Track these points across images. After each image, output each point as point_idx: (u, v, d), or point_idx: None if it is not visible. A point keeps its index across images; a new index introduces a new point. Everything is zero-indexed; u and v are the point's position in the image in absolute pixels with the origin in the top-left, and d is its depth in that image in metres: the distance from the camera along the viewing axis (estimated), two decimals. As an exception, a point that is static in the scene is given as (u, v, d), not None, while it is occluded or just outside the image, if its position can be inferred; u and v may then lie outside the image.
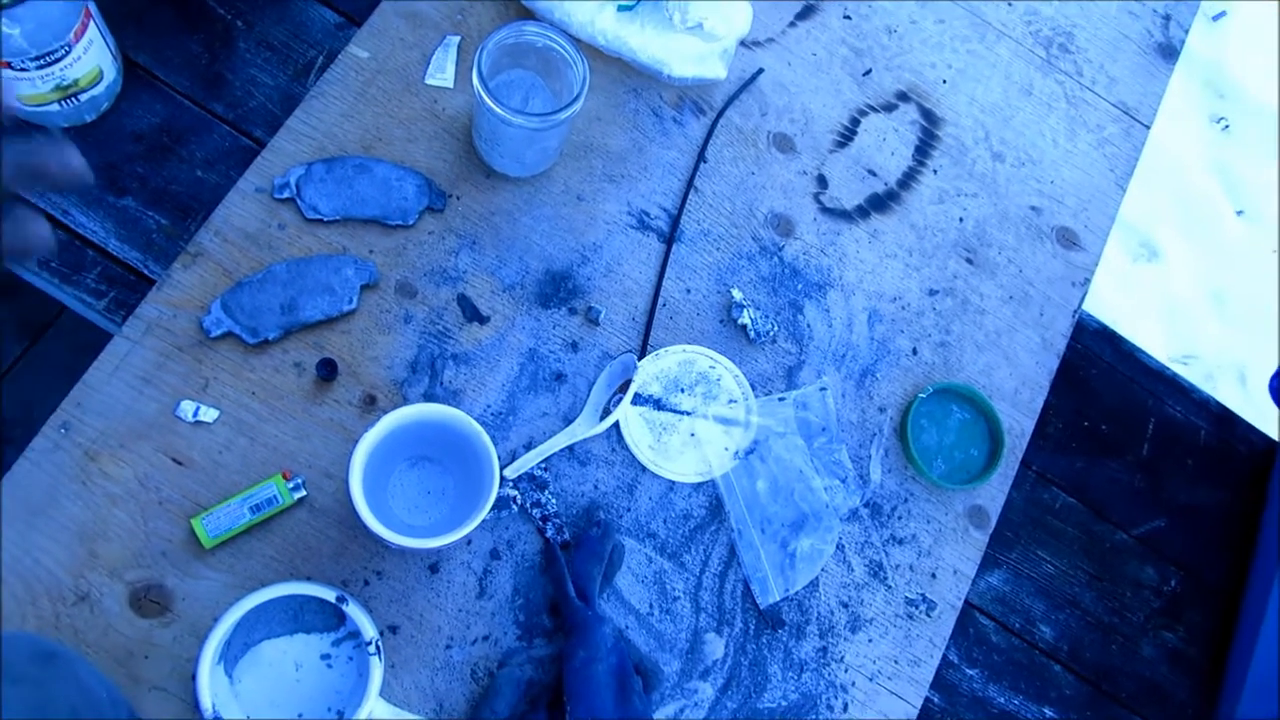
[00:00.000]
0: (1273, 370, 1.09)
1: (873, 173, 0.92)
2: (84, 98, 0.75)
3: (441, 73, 0.84)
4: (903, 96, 0.95)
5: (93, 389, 0.72)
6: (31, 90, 0.71)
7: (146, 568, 0.69)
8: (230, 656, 0.68)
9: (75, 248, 0.77)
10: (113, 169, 0.79)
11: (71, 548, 0.69)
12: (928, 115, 0.95)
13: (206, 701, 0.63)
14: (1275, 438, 1.02)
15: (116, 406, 0.72)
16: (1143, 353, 0.96)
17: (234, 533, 0.70)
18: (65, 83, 0.72)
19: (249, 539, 0.71)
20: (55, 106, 0.74)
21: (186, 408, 0.72)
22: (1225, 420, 0.98)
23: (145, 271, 0.77)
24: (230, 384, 0.74)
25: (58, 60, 0.70)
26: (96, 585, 0.69)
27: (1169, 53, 1.03)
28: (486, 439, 0.66)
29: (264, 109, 0.83)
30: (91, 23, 0.71)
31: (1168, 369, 0.96)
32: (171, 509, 0.71)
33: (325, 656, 0.70)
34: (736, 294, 0.84)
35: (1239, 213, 2.04)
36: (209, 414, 0.73)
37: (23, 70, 0.69)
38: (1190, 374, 1.77)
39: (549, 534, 0.75)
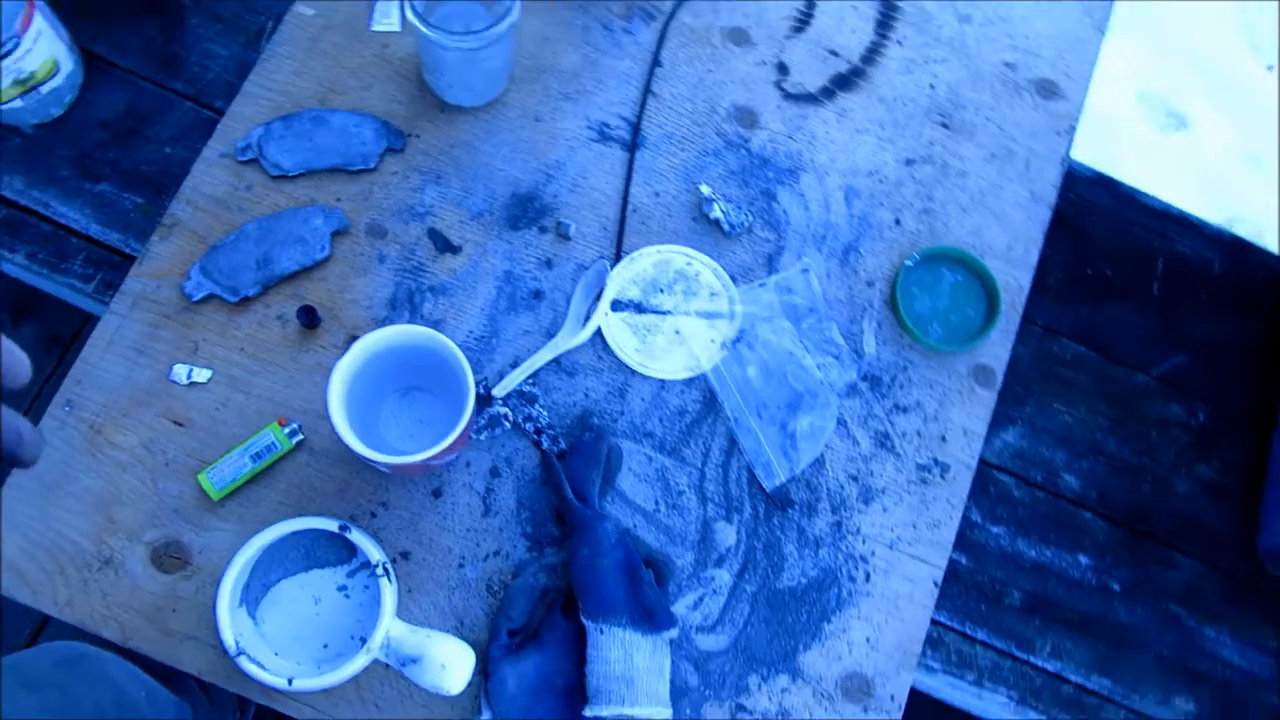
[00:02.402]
0: None
1: (834, 53, 0.90)
2: (45, 90, 0.78)
3: (387, 18, 0.85)
4: (855, -28, 0.93)
5: (90, 365, 0.74)
6: (-10, 88, 0.74)
7: (163, 526, 0.72)
8: (251, 599, 0.70)
9: (59, 237, 0.80)
10: (86, 158, 0.82)
11: (90, 516, 0.72)
12: (884, -14, 0.93)
13: (229, 639, 0.65)
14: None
15: (114, 379, 0.74)
16: (1143, 194, 0.92)
17: (239, 483, 0.73)
18: (22, 76, 0.75)
19: (255, 488, 0.73)
20: (19, 103, 0.77)
21: (180, 371, 0.75)
22: (1239, 250, 0.94)
23: (127, 250, 0.80)
24: (219, 344, 0.76)
25: (9, 53, 0.72)
26: (118, 549, 0.71)
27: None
28: (454, 347, 0.66)
29: (221, 80, 0.85)
30: (37, 13, 0.74)
31: (1173, 207, 0.93)
32: (178, 469, 0.73)
33: (341, 588, 0.72)
34: (705, 189, 0.83)
35: (1269, 68, 1.95)
36: (202, 375, 0.75)
37: (-24, 67, 0.72)
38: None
39: (545, 445, 0.76)
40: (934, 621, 0.88)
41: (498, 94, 0.84)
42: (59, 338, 1.16)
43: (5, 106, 0.77)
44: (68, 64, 0.79)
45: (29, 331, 1.16)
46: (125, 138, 0.83)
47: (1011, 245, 0.86)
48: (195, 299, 0.76)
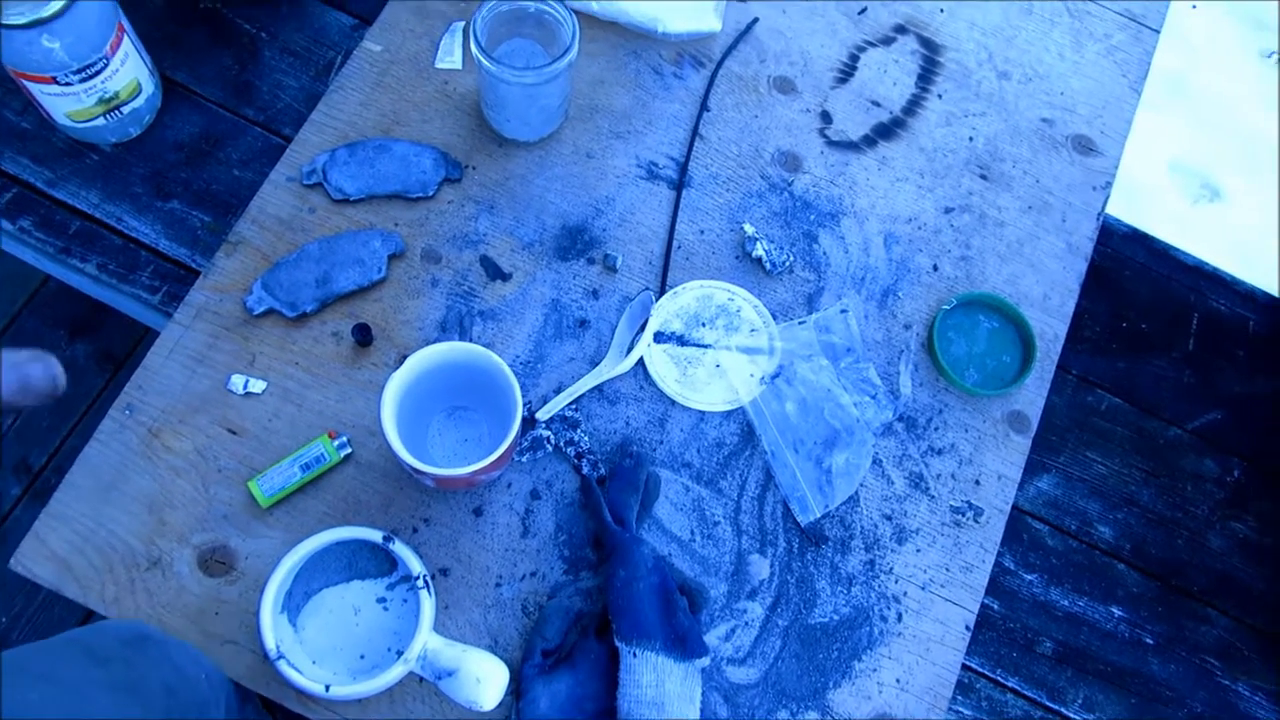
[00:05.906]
0: None
1: (876, 103, 0.93)
2: (126, 110, 0.82)
3: (450, 56, 0.89)
4: (900, 29, 0.97)
5: (151, 372, 0.77)
6: (78, 105, 0.78)
7: (211, 531, 0.74)
8: (293, 606, 0.72)
9: (130, 250, 0.84)
10: (159, 176, 0.86)
11: (141, 517, 0.74)
12: (927, 44, 0.96)
13: (270, 642, 0.66)
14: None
15: (173, 386, 0.77)
16: (1177, 250, 0.94)
17: (287, 491, 0.75)
18: (107, 95, 0.79)
19: (302, 497, 0.75)
20: (101, 120, 0.81)
21: (237, 381, 0.77)
22: (1275, 309, 0.95)
23: (193, 265, 0.83)
24: (275, 356, 0.78)
25: (98, 73, 0.76)
26: (166, 550, 0.73)
27: (1170, -45, 1.02)
28: (505, 367, 0.68)
29: (291, 109, 0.89)
30: (125, 36, 0.78)
31: (1206, 263, 0.94)
32: (229, 475, 0.75)
33: (381, 600, 0.73)
34: (748, 228, 0.86)
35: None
36: (258, 385, 0.77)
37: (67, 85, 0.76)
38: None
39: (585, 470, 0.77)
40: (965, 666, 0.88)
41: (552, 130, 0.87)
42: (112, 355, 1.20)
43: (88, 124, 0.81)
44: (149, 87, 0.84)
45: (82, 349, 1.20)
46: (197, 159, 0.86)
47: (1048, 294, 0.88)
48: (256, 313, 0.79)
